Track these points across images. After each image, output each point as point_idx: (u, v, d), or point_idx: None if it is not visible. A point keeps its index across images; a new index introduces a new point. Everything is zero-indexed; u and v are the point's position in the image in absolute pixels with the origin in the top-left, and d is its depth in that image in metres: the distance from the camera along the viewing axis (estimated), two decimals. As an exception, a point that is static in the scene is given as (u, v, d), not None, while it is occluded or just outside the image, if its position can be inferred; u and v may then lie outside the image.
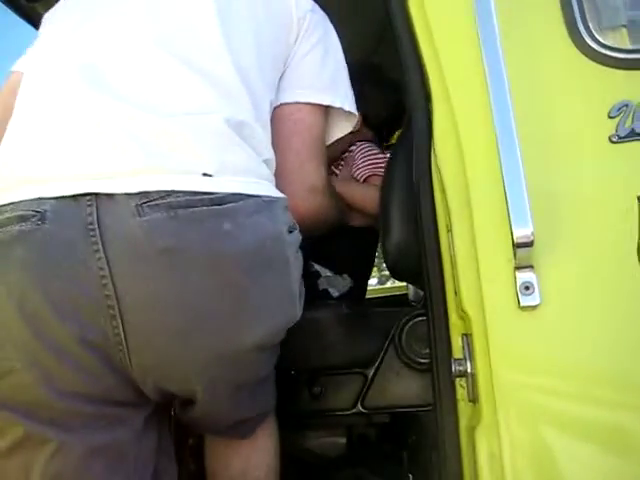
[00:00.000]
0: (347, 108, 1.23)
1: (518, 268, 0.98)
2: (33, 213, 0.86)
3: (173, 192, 0.88)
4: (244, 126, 1.01)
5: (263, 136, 1.05)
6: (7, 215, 0.87)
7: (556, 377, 0.99)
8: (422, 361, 1.31)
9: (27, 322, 0.85)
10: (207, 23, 1.08)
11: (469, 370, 1.02)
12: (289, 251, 1.01)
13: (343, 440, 1.48)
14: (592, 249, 1.00)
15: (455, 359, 1.06)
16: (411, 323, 1.33)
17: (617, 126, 1.05)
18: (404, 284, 2.50)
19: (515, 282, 0.98)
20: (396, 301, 2.51)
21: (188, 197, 0.89)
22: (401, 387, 1.34)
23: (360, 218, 1.71)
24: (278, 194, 1.02)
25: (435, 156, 1.13)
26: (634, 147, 1.04)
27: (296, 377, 1.30)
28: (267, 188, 1.00)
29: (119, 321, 0.87)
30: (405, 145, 1.38)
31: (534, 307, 0.97)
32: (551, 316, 0.97)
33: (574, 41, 1.11)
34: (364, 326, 1.32)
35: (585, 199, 1.02)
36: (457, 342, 1.08)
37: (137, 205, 0.87)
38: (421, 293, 1.66)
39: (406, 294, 2.36)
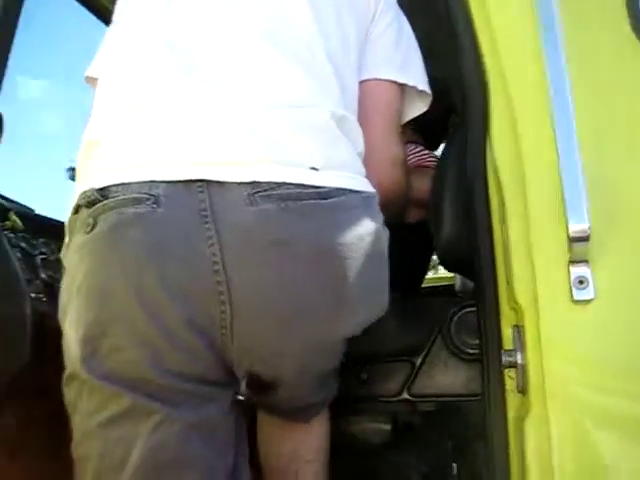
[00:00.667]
0: (421, 87, 1.23)
1: (573, 262, 0.98)
2: (147, 196, 0.89)
3: (284, 184, 0.92)
4: (345, 120, 1.04)
5: (358, 128, 1.08)
6: (121, 197, 0.90)
7: (606, 373, 0.99)
8: (470, 351, 1.33)
9: (141, 303, 0.89)
10: (300, 10, 1.09)
11: (519, 361, 1.03)
12: (385, 246, 1.04)
13: (387, 427, 1.50)
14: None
15: (505, 350, 1.07)
16: (460, 314, 1.35)
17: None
18: (450, 275, 2.51)
19: (569, 276, 0.98)
20: (442, 291, 2.51)
21: (298, 190, 0.92)
22: (448, 376, 1.36)
23: (414, 211, 1.71)
24: (373, 190, 1.04)
25: (491, 149, 1.14)
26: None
27: (344, 363, 1.32)
28: (365, 184, 1.03)
29: (227, 307, 0.90)
30: (457, 139, 1.39)
31: (587, 301, 0.97)
32: (604, 311, 0.97)
33: (636, 32, 1.10)
34: (413, 315, 1.34)
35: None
36: (507, 333, 1.09)
37: (249, 194, 0.90)
38: (469, 284, 1.67)
39: (452, 285, 2.37)
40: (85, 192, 0.94)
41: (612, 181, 1.01)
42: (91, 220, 0.91)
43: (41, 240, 1.84)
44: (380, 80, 1.19)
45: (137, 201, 0.89)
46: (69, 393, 0.97)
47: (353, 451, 1.52)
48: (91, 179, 0.96)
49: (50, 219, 2.09)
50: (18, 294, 1.44)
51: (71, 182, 2.01)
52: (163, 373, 0.92)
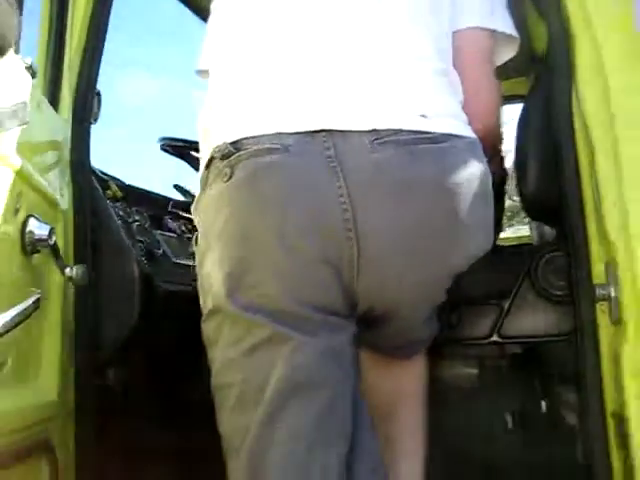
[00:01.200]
0: (509, 32, 1.28)
1: (666, 197, 1.04)
2: (279, 146, 0.99)
3: (400, 131, 1.01)
4: (450, 73, 1.13)
5: (459, 79, 1.15)
6: (255, 147, 1.00)
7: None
8: (557, 293, 1.39)
9: (280, 242, 0.99)
10: None
11: (612, 294, 1.10)
12: (490, 186, 1.12)
13: (476, 370, 1.58)
14: None
15: (598, 284, 1.13)
16: (546, 257, 1.41)
17: None
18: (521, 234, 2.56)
19: (663, 209, 1.04)
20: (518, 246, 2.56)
21: (412, 136, 1.01)
22: (536, 318, 1.42)
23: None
24: (475, 136, 1.11)
25: (577, 99, 1.19)
26: None
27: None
28: (469, 130, 1.11)
29: (354, 243, 1.00)
30: (540, 92, 1.44)
31: (680, 234, 1.03)
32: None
33: None
34: (501, 260, 1.40)
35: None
36: (599, 269, 1.15)
37: (370, 142, 1.00)
38: (547, 236, 1.71)
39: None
40: (218, 146, 1.04)
41: None
42: (228, 170, 1.01)
43: (134, 209, 1.96)
44: (474, 28, 1.24)
45: (270, 151, 0.99)
46: (208, 328, 1.08)
47: (444, 394, 1.60)
48: (221, 135, 1.05)
49: (141, 189, 2.22)
50: (127, 256, 1.57)
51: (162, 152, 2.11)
52: (299, 304, 1.02)
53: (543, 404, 1.51)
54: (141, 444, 1.66)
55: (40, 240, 1.20)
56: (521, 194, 1.47)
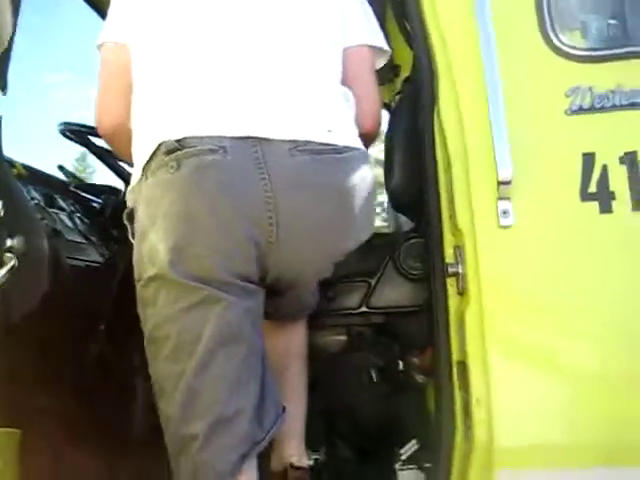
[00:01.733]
0: (385, 48, 1.62)
1: (500, 199, 1.40)
2: (218, 147, 1.24)
3: (311, 142, 1.30)
4: (347, 93, 1.43)
5: (350, 93, 1.45)
6: (199, 147, 1.24)
7: (517, 278, 1.42)
8: (414, 272, 1.73)
9: (218, 223, 1.25)
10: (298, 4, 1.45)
11: (460, 271, 1.44)
12: (373, 188, 1.43)
13: (346, 337, 1.89)
14: (550, 189, 1.43)
15: (448, 263, 1.48)
16: (406, 244, 1.75)
17: (571, 103, 1.47)
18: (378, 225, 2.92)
19: (497, 208, 1.40)
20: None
21: (322, 147, 1.31)
22: (397, 292, 1.75)
23: None
24: (364, 148, 1.44)
25: (437, 111, 1.52)
26: (582, 118, 1.46)
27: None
28: (360, 142, 1.42)
29: (274, 227, 1.28)
30: (407, 100, 1.76)
31: (509, 226, 1.40)
32: (521, 233, 1.40)
33: (544, 38, 1.52)
34: (369, 245, 1.71)
35: (545, 152, 1.45)
36: (449, 252, 1.50)
37: (290, 149, 1.29)
38: (402, 227, 2.06)
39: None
40: (164, 142, 1.27)
41: (529, 142, 1.43)
42: (174, 163, 1.24)
43: (31, 187, 2.09)
44: (362, 45, 1.57)
45: (212, 151, 1.25)
46: (147, 292, 1.30)
47: (322, 356, 1.90)
48: (165, 132, 1.28)
49: (36, 169, 2.33)
50: (38, 232, 1.71)
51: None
52: (229, 273, 1.28)
53: (400, 363, 1.86)
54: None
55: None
56: (386, 188, 1.79)
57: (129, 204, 1.41)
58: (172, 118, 1.31)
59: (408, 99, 1.80)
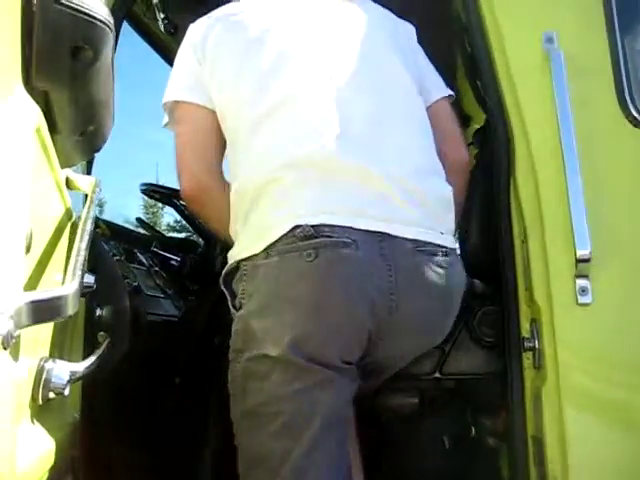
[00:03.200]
0: (452, 93, 1.67)
1: (578, 276, 1.40)
2: (350, 241, 1.28)
3: (429, 243, 1.37)
4: (441, 168, 1.50)
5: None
6: (334, 238, 1.27)
7: (597, 359, 1.41)
8: (488, 340, 1.72)
9: (347, 313, 1.29)
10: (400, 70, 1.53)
11: (537, 346, 1.44)
12: None
13: (415, 401, 1.89)
14: (630, 267, 1.42)
15: (525, 337, 1.47)
16: (482, 311, 1.74)
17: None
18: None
19: (575, 286, 1.40)
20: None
21: (437, 248, 1.38)
22: (471, 359, 1.74)
23: None
24: None
25: (514, 185, 1.54)
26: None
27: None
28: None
29: (390, 320, 1.32)
30: (483, 170, 1.78)
31: (587, 304, 1.39)
32: (599, 312, 1.39)
33: (622, 109, 1.52)
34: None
35: (624, 229, 1.44)
36: (525, 324, 1.50)
37: (412, 248, 1.34)
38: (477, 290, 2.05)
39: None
40: (301, 227, 1.28)
41: (607, 219, 1.42)
42: (312, 252, 1.27)
43: (112, 243, 2.18)
44: (443, 98, 1.63)
45: (346, 244, 1.28)
46: (258, 366, 1.31)
47: (389, 421, 1.91)
48: (300, 215, 1.30)
49: (115, 224, 2.44)
50: (122, 295, 1.78)
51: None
52: (345, 358, 1.32)
53: (473, 429, 1.84)
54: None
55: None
56: (462, 250, 1.80)
57: (224, 270, 1.44)
58: (304, 201, 1.32)
59: (484, 162, 1.80)
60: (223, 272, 1.44)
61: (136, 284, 2.09)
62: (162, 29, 2.20)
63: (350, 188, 1.34)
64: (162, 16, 2.16)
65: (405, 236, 1.34)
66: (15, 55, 0.71)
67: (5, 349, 0.59)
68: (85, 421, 1.49)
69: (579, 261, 1.38)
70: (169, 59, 2.63)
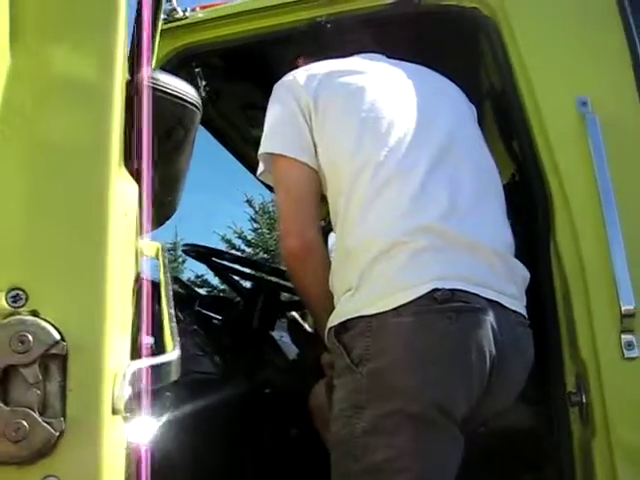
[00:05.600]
0: None
1: (623, 331, 1.43)
2: (480, 307, 1.35)
3: (521, 315, 1.44)
4: None
5: None
6: (471, 304, 1.34)
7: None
8: (531, 395, 1.74)
9: (478, 373, 1.34)
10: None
11: (584, 400, 1.47)
12: None
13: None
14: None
15: (570, 392, 1.50)
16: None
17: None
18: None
19: (620, 340, 1.43)
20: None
21: (521, 318, 1.44)
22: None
23: None
24: None
25: (555, 244, 1.59)
26: None
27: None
28: None
29: (493, 379, 1.37)
30: (519, 227, 1.83)
31: (634, 359, 1.42)
32: (645, 364, 1.42)
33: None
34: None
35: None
36: (570, 380, 1.53)
37: (515, 319, 1.42)
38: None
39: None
40: (440, 290, 1.32)
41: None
42: (453, 315, 1.32)
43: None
44: None
45: (480, 310, 1.35)
46: (387, 422, 1.32)
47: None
48: (436, 279, 1.34)
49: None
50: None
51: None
52: (467, 415, 1.36)
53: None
54: None
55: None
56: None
57: (335, 322, 1.43)
58: (439, 266, 1.37)
59: (518, 219, 1.85)
60: (332, 325, 1.44)
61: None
62: (203, 96, 2.29)
63: (469, 258, 1.40)
64: (204, 83, 2.26)
65: (512, 308, 1.42)
66: (120, 140, 0.78)
67: (126, 412, 0.63)
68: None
69: (624, 316, 1.41)
70: (207, 123, 2.73)
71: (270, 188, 1.73)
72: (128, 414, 0.65)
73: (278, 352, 2.65)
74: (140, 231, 1.09)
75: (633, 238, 1.49)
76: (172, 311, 0.88)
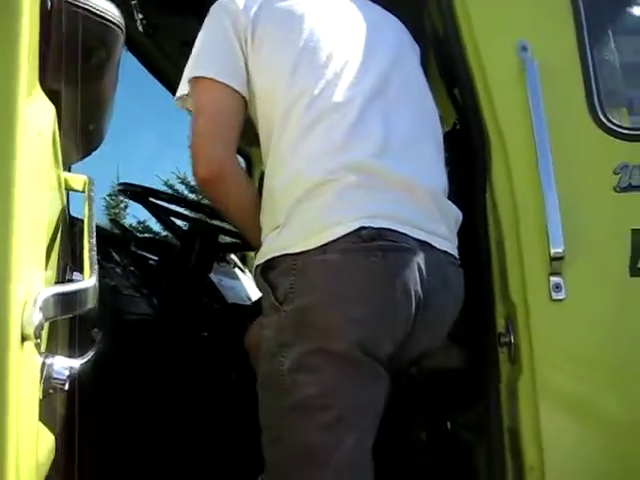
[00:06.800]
0: None
1: (552, 274, 1.46)
2: (408, 246, 1.34)
3: (448, 253, 1.43)
4: None
5: None
6: (397, 243, 1.33)
7: (569, 354, 1.49)
8: (461, 335, 1.78)
9: (403, 310, 1.34)
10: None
11: (512, 341, 1.50)
12: None
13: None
14: (600, 265, 1.49)
15: (500, 333, 1.53)
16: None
17: (619, 180, 1.54)
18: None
19: (549, 283, 1.46)
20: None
21: (455, 261, 1.46)
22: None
23: None
24: None
25: (490, 187, 1.60)
26: (631, 195, 1.53)
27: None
28: None
29: (425, 317, 1.37)
30: (453, 173, 1.84)
31: (561, 300, 1.46)
32: (572, 307, 1.46)
33: (592, 115, 1.60)
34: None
35: (595, 230, 1.52)
36: (500, 321, 1.56)
37: (445, 259, 1.42)
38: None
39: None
40: (366, 229, 1.31)
41: (579, 218, 1.49)
42: (379, 253, 1.31)
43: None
44: None
45: (406, 250, 1.33)
46: (311, 360, 1.32)
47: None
48: (362, 217, 1.32)
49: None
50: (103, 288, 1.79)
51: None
52: (392, 354, 1.36)
53: (448, 424, 1.90)
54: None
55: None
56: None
57: (261, 260, 1.41)
58: (365, 204, 1.36)
59: (454, 165, 1.86)
60: (259, 263, 1.42)
61: (113, 283, 2.09)
62: (140, 30, 2.20)
63: (401, 197, 1.38)
64: (140, 17, 2.16)
65: (442, 249, 1.42)
66: (34, 57, 0.73)
67: (36, 339, 0.61)
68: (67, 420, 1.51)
69: (553, 259, 1.44)
70: (145, 60, 2.64)
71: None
72: (38, 340, 0.63)
73: (216, 295, 2.64)
74: (66, 161, 1.05)
75: (566, 184, 1.51)
76: (93, 241, 0.85)
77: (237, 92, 1.47)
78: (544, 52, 1.61)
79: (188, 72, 1.50)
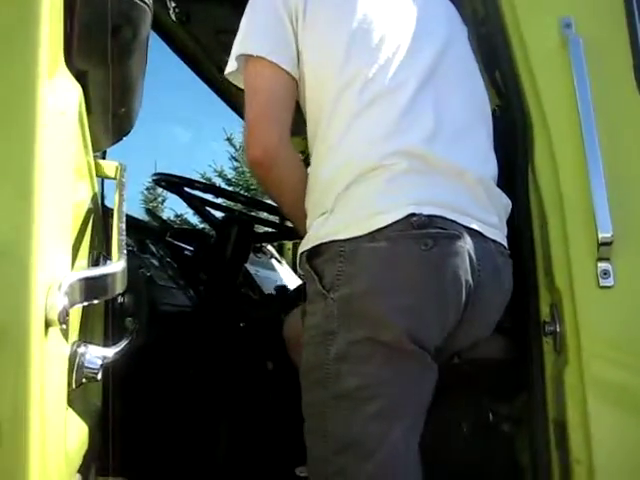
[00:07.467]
0: None
1: (599, 259, 1.40)
2: (459, 234, 1.30)
3: (499, 243, 1.41)
4: None
5: None
6: (447, 231, 1.30)
7: (618, 342, 1.42)
8: (507, 326, 1.73)
9: (455, 302, 1.32)
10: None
11: (558, 330, 1.45)
12: None
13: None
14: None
15: (545, 321, 1.48)
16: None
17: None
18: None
19: (596, 269, 1.40)
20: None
21: (501, 248, 1.43)
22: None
23: None
24: None
25: (533, 171, 1.54)
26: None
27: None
28: None
29: (469, 309, 1.34)
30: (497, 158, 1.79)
31: (609, 287, 1.39)
32: (621, 295, 1.39)
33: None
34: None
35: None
36: (545, 309, 1.50)
37: (495, 249, 1.40)
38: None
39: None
40: (417, 215, 1.28)
41: (629, 202, 1.43)
42: (429, 241, 1.27)
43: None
44: None
45: (457, 237, 1.30)
46: (358, 349, 1.29)
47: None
48: (412, 204, 1.29)
49: (130, 216, 2.43)
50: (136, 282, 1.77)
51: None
52: (441, 344, 1.34)
53: (490, 415, 1.85)
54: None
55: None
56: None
57: (307, 247, 1.38)
58: (417, 190, 1.33)
59: (497, 151, 1.81)
60: (305, 250, 1.39)
61: (149, 274, 2.08)
62: (173, 18, 2.18)
63: (452, 184, 1.35)
64: (173, 4, 2.15)
65: (492, 238, 1.38)
66: (57, 35, 0.71)
67: (61, 324, 0.59)
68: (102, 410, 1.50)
69: (601, 244, 1.38)
70: (177, 48, 2.63)
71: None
72: (64, 326, 0.61)
73: (253, 285, 2.63)
74: (97, 146, 1.03)
75: (613, 166, 1.44)
76: (123, 226, 0.83)
77: (289, 73, 1.43)
78: (589, 28, 1.54)
79: (238, 48, 1.45)
